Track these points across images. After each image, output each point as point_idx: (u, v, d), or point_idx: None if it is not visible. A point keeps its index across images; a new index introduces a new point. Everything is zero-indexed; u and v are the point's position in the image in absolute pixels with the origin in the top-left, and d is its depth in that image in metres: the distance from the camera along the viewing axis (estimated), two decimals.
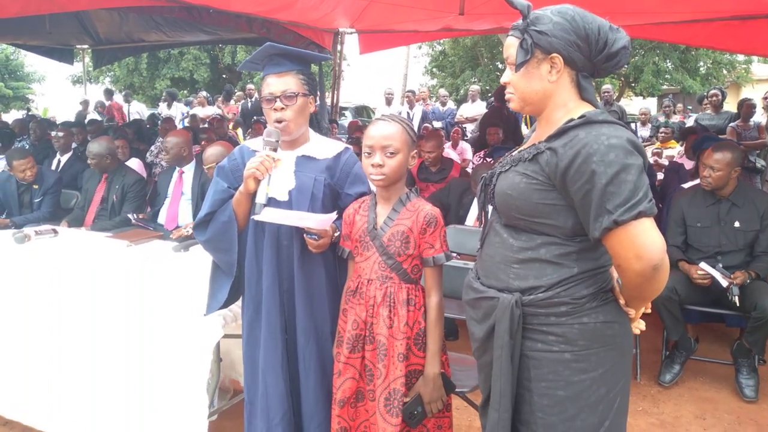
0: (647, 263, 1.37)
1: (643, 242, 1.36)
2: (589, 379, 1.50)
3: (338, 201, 2.06)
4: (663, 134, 7.36)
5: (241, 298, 2.17)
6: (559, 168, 1.43)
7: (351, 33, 7.04)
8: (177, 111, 10.74)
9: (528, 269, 1.52)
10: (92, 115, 10.30)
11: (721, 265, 3.34)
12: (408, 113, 9.23)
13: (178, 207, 4.00)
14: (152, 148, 6.72)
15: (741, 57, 16.95)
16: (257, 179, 1.91)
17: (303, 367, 2.01)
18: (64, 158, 5.59)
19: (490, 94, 15.64)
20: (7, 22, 6.41)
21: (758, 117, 7.16)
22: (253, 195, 1.95)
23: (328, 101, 7.64)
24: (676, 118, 9.86)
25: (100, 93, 12.48)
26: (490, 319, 1.56)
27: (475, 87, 10.50)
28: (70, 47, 9.38)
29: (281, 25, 6.33)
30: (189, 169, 4.07)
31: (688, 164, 5.24)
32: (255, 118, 8.53)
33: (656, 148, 7.00)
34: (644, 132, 8.76)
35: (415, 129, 8.80)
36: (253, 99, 10.44)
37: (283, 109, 1.94)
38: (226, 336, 2.48)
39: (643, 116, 9.22)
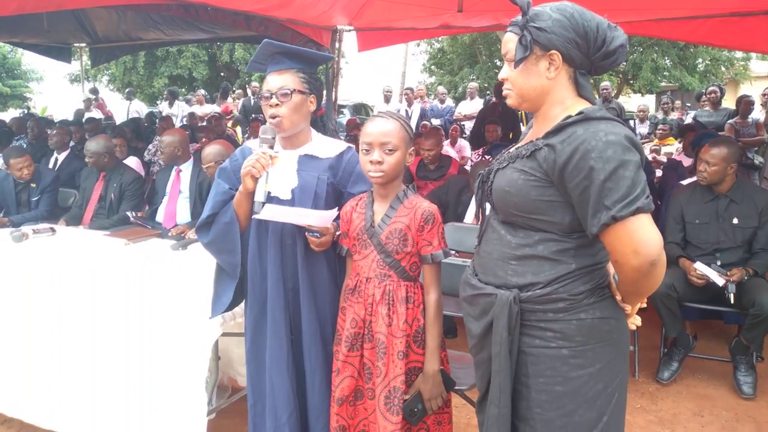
0: (645, 259, 1.37)
1: (641, 238, 1.37)
2: (587, 374, 1.50)
3: (341, 200, 2.05)
4: (661, 131, 7.36)
5: (244, 300, 2.16)
6: (557, 164, 1.43)
7: (349, 30, 7.03)
8: (178, 109, 10.73)
9: (526, 266, 1.53)
10: (95, 113, 10.28)
11: (719, 263, 3.35)
12: (406, 111, 9.23)
13: (176, 205, 4.00)
14: (150, 146, 6.71)
15: (739, 54, 16.97)
16: (254, 177, 1.91)
17: (309, 366, 2.01)
18: (61, 156, 5.59)
19: (488, 92, 15.64)
20: (4, 20, 6.40)
21: (756, 114, 7.15)
22: (253, 194, 1.95)
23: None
24: (674, 115, 9.86)
25: (100, 92, 12.44)
26: (488, 315, 1.56)
27: (474, 84, 10.49)
28: (67, 45, 9.37)
29: (279, 23, 6.32)
30: (187, 168, 4.06)
31: (687, 161, 5.25)
32: (253, 116, 8.53)
33: (654, 145, 7.01)
34: (642, 129, 8.76)
35: (414, 126, 8.80)
36: (256, 97, 10.45)
37: (277, 105, 1.93)
38: (224, 334, 2.48)
39: (641, 113, 9.22)
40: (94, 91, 11.28)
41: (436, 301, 1.87)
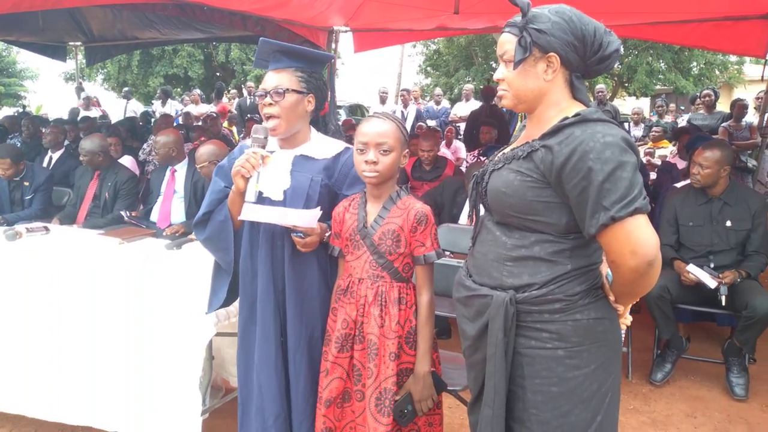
0: (642, 259, 1.38)
1: (638, 238, 1.38)
2: (582, 375, 1.51)
3: (336, 202, 2.02)
4: (654, 134, 7.38)
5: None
6: (554, 165, 1.44)
7: (346, 31, 7.03)
8: (171, 109, 10.70)
9: (522, 267, 1.53)
10: (94, 111, 10.25)
11: (712, 265, 3.37)
12: (402, 112, 9.24)
13: (171, 205, 3.99)
14: (145, 146, 6.69)
15: (733, 58, 17.07)
16: (245, 177, 1.90)
17: (293, 369, 1.99)
18: (56, 155, 5.57)
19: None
20: None
21: (750, 117, 7.19)
22: (245, 194, 1.95)
23: None
24: (668, 118, 9.90)
25: (93, 90, 12.40)
26: (483, 317, 1.56)
27: (470, 86, 10.48)
28: (63, 44, 9.32)
29: (276, 23, 6.31)
30: (181, 168, 4.05)
31: (681, 164, 5.27)
32: (249, 116, 8.52)
33: (648, 148, 7.04)
34: (637, 132, 8.79)
35: (410, 127, 8.80)
36: (252, 96, 10.44)
37: (271, 104, 1.92)
38: (218, 334, 2.48)
39: (635, 116, 9.26)
40: (80, 89, 11.22)
41: (428, 303, 1.87)
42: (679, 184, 4.18)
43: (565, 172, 1.42)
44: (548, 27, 1.46)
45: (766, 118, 5.47)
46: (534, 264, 1.52)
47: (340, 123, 9.60)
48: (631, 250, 1.38)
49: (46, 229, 3.03)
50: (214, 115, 8.47)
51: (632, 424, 3.02)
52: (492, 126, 6.28)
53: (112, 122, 8.72)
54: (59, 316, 2.65)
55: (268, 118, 1.93)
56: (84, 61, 10.00)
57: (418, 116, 9.32)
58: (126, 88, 11.93)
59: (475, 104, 9.61)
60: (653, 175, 5.64)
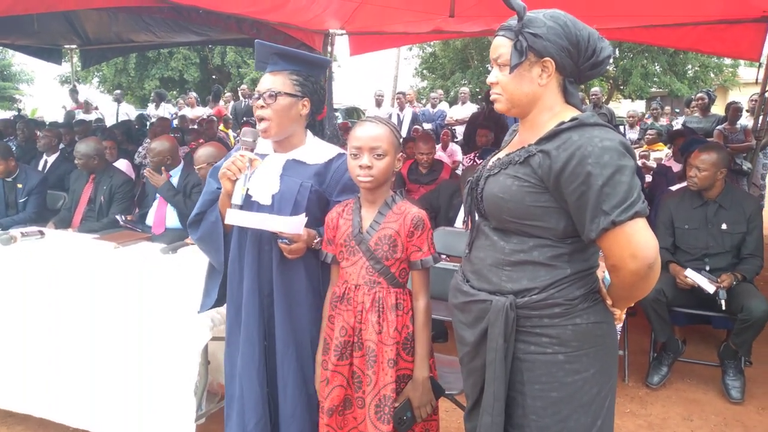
0: (643, 262, 1.38)
1: (639, 241, 1.38)
2: (582, 379, 1.51)
3: (327, 208, 2.00)
4: (649, 136, 7.40)
5: None
6: (552, 170, 1.43)
7: (341, 34, 7.04)
8: (165, 112, 10.68)
9: (521, 271, 1.53)
10: (94, 114, 10.22)
11: (708, 268, 3.37)
12: (398, 115, 9.23)
13: (166, 209, 3.97)
14: (140, 149, 6.68)
15: (728, 61, 17.14)
16: (231, 180, 1.89)
17: (281, 375, 1.97)
18: (51, 159, 5.54)
19: (480, 97, 15.66)
20: None
21: (745, 120, 7.22)
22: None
23: None
24: (663, 121, 9.93)
25: (89, 93, 12.36)
26: (483, 322, 1.56)
27: (466, 89, 10.50)
28: (58, 47, 9.31)
29: (271, 26, 6.31)
30: (176, 173, 4.04)
31: (676, 167, 5.28)
32: (244, 119, 8.51)
33: (643, 151, 7.05)
34: (632, 134, 8.82)
35: (406, 131, 8.76)
36: (246, 99, 10.44)
37: (263, 107, 1.91)
38: (214, 338, 2.47)
39: (631, 119, 9.28)
40: (74, 91, 11.20)
41: (425, 308, 1.85)
42: (674, 187, 4.18)
43: (563, 176, 1.42)
44: (544, 32, 1.46)
45: (760, 121, 5.49)
46: (533, 268, 1.52)
47: (337, 126, 9.60)
48: (631, 253, 1.38)
49: (41, 233, 3.02)
50: (210, 118, 8.46)
51: (629, 427, 3.02)
52: (489, 129, 6.29)
53: (107, 126, 8.70)
54: (58, 318, 2.65)
55: (260, 120, 1.93)
56: (79, 64, 9.96)
57: (414, 119, 9.31)
58: (117, 91, 11.88)
59: (471, 107, 9.62)
60: (648, 178, 5.66)
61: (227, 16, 6.08)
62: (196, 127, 8.09)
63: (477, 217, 1.66)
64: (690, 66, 17.46)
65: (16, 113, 13.69)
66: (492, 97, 1.59)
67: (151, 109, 11.23)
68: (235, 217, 1.85)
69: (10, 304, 2.76)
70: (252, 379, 1.97)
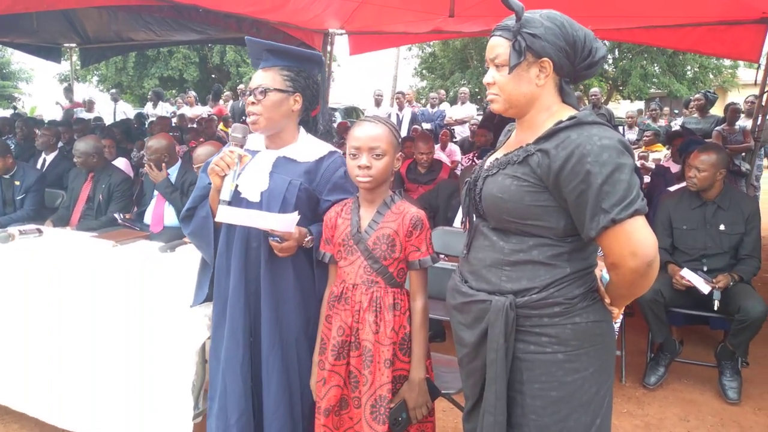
0: (642, 260, 1.39)
1: (638, 239, 1.39)
2: (581, 378, 1.51)
3: (317, 207, 2.00)
4: (647, 137, 7.41)
5: None
6: (552, 169, 1.44)
7: (341, 34, 7.04)
8: (163, 111, 10.68)
9: (520, 271, 1.53)
10: (94, 114, 10.23)
11: (705, 269, 3.38)
12: (397, 115, 9.24)
13: (164, 207, 3.97)
14: (135, 150, 6.67)
15: (727, 62, 17.15)
16: (219, 175, 1.89)
17: (266, 371, 1.97)
18: (50, 157, 5.54)
19: (479, 96, 15.67)
20: None
21: (743, 121, 7.24)
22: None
23: None
24: (662, 122, 9.94)
25: (88, 92, 12.36)
26: (482, 322, 1.56)
27: (465, 89, 10.50)
28: (57, 45, 9.30)
29: (271, 26, 6.32)
30: (174, 171, 4.04)
31: (674, 167, 5.28)
32: (243, 118, 8.51)
33: (642, 152, 7.06)
34: (631, 135, 8.82)
35: (406, 130, 8.75)
36: (242, 97, 10.44)
37: (254, 103, 1.92)
38: (211, 337, 2.47)
39: (629, 119, 9.29)
40: (69, 90, 11.19)
41: (422, 308, 1.85)
42: (672, 188, 4.19)
43: (562, 175, 1.42)
44: (542, 32, 1.46)
45: (759, 122, 5.50)
46: (533, 268, 1.52)
47: (335, 125, 9.60)
48: (631, 251, 1.39)
49: (39, 231, 3.02)
50: (210, 117, 8.46)
51: (626, 427, 3.02)
52: (488, 129, 6.30)
53: (106, 124, 8.70)
54: (59, 316, 2.65)
55: (251, 116, 1.93)
56: (79, 62, 9.95)
57: (414, 119, 9.32)
58: (113, 90, 11.88)
59: (470, 107, 9.64)
60: (647, 179, 5.66)
61: (227, 15, 6.09)
62: (195, 126, 8.09)
63: (475, 218, 1.66)
64: (689, 67, 17.47)
65: (13, 111, 13.67)
66: (489, 98, 1.59)
67: (149, 108, 11.22)
68: (226, 214, 1.84)
69: (12, 302, 2.75)
70: (236, 374, 1.97)
